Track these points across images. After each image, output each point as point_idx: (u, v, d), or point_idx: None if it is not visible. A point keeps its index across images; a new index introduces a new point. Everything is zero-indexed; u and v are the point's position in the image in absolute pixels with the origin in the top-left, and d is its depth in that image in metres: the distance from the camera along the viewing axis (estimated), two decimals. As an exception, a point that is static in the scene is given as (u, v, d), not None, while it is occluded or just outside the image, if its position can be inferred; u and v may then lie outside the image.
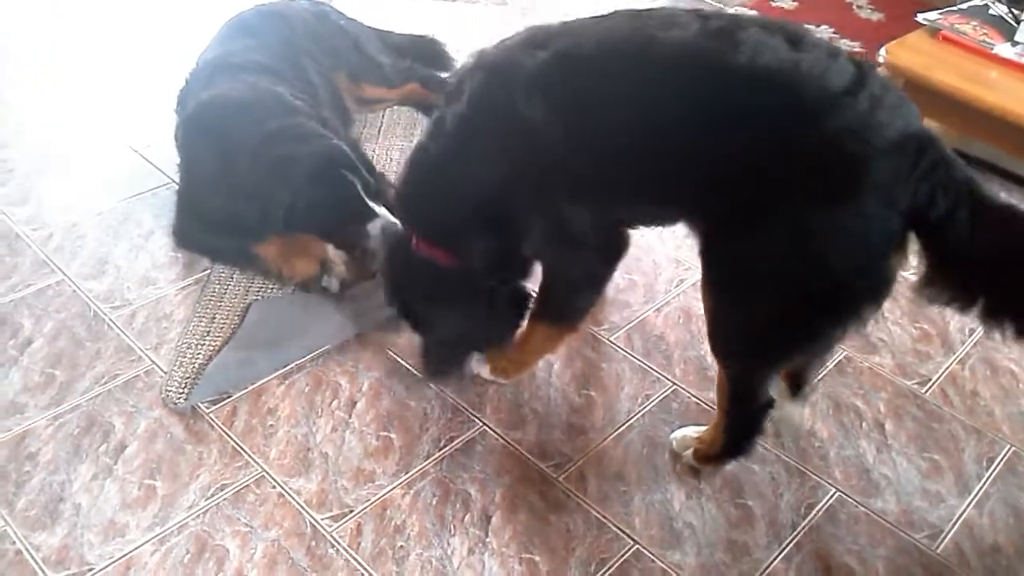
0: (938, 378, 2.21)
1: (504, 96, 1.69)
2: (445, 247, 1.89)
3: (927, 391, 2.17)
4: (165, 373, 2.10)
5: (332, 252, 2.32)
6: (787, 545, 1.83)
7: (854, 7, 3.92)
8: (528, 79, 1.67)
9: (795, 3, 3.94)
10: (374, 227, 2.29)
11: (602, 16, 1.72)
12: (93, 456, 1.92)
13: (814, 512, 1.89)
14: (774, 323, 1.67)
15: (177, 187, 2.52)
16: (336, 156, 2.29)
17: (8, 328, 2.20)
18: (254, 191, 2.27)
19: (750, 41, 1.56)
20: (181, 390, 2.05)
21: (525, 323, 2.05)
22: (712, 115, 1.57)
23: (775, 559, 1.80)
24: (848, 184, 1.50)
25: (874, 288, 1.60)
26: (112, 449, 1.94)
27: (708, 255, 1.70)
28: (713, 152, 1.58)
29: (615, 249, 1.92)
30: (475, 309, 1.96)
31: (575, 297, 1.98)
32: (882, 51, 2.65)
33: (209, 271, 2.39)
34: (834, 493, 1.93)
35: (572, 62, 1.67)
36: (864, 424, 2.09)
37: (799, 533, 1.85)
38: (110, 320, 2.24)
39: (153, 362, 2.14)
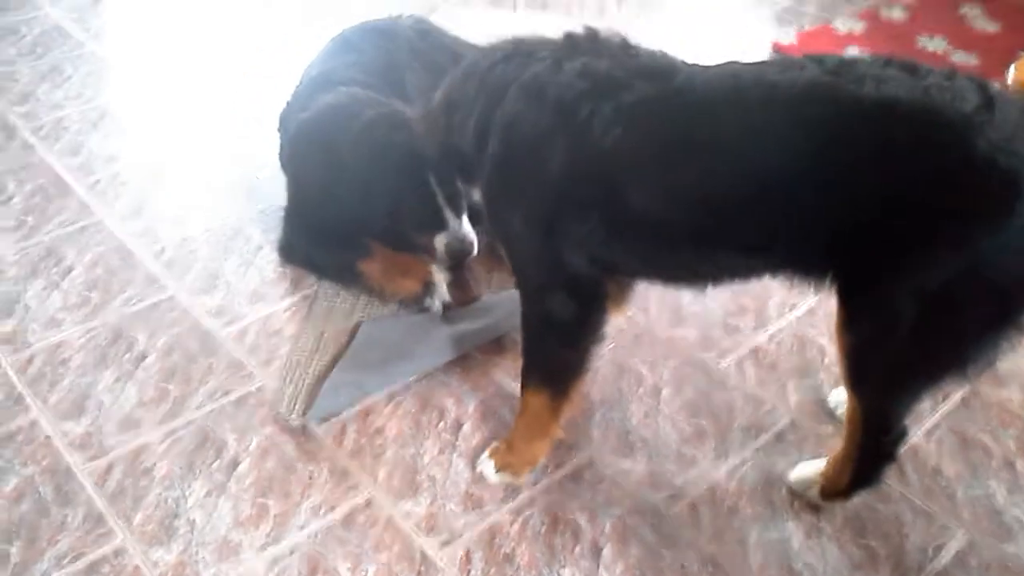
0: (1072, 415, 2.10)
1: (585, 108, 1.63)
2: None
3: (1059, 428, 2.07)
4: (275, 390, 2.12)
5: (436, 273, 2.31)
6: (915, 588, 1.75)
7: (968, 18, 3.76)
8: (625, 107, 1.62)
9: (906, 14, 3.81)
10: (439, 240, 2.29)
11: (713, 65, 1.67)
12: (207, 472, 1.94)
13: (944, 556, 1.80)
14: (930, 355, 1.61)
15: (285, 205, 2.54)
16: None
17: (123, 342, 2.25)
18: (358, 185, 2.26)
19: (871, 73, 1.50)
20: (291, 407, 2.06)
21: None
22: (848, 152, 1.51)
23: (900, 605, 1.73)
24: (1009, 200, 1.43)
25: None
26: (225, 465, 1.96)
27: (854, 298, 1.63)
28: (852, 191, 1.51)
29: (594, 295, 1.82)
30: None
31: (555, 349, 1.86)
32: (1010, 69, 2.53)
33: (316, 288, 2.41)
34: (963, 536, 1.84)
35: (681, 100, 1.62)
36: (993, 462, 1.99)
37: (929, 571, 1.77)
38: (222, 336, 2.27)
39: (264, 379, 2.16)
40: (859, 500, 1.88)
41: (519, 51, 1.80)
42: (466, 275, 2.40)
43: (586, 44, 1.77)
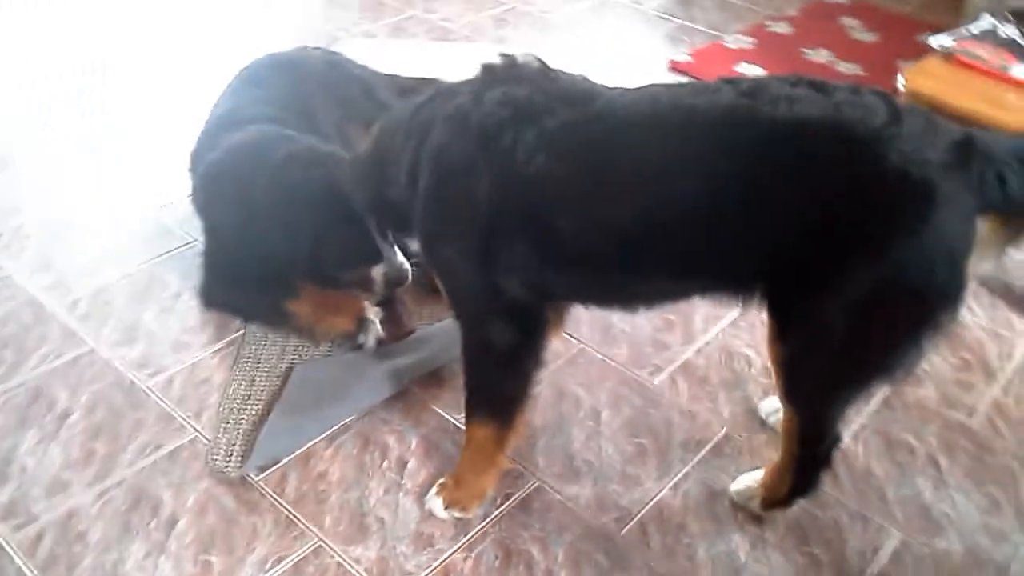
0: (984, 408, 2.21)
1: (507, 138, 1.65)
2: None
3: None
4: (209, 441, 2.06)
5: (368, 309, 2.29)
6: (858, 591, 1.82)
7: (848, 29, 3.95)
8: (547, 132, 1.64)
9: (791, 28, 3.97)
10: (377, 271, 2.28)
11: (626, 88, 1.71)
12: (144, 532, 1.87)
13: (881, 558, 1.88)
14: (860, 361, 1.66)
15: (202, 248, 2.48)
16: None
17: (43, 401, 2.15)
18: (277, 225, 2.21)
19: (783, 93, 1.56)
20: (227, 457, 2.01)
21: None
22: (769, 172, 1.56)
23: (846, 607, 1.79)
24: (924, 208, 1.49)
25: (957, 296, 1.59)
26: (163, 523, 1.89)
27: (780, 312, 1.68)
28: (776, 210, 1.57)
29: (533, 320, 1.83)
30: None
31: (497, 379, 1.86)
32: (900, 78, 2.66)
33: (243, 332, 2.36)
34: (897, 535, 1.92)
35: (603, 124, 1.65)
36: (918, 461, 2.09)
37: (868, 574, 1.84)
38: (147, 388, 2.20)
39: (196, 430, 2.10)
40: (798, 508, 1.94)
41: (440, 91, 1.83)
42: (398, 309, 2.38)
43: (504, 72, 1.78)
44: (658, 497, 1.99)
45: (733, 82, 1.63)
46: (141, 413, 2.14)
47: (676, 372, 2.30)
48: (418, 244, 1.88)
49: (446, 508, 1.92)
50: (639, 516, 1.94)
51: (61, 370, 2.24)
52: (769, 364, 1.80)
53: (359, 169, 1.96)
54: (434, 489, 1.95)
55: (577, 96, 1.69)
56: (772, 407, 2.16)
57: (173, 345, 2.32)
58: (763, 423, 2.16)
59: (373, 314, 2.29)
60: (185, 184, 2.55)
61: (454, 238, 1.78)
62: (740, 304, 1.75)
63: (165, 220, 2.76)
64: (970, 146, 1.52)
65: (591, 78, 1.77)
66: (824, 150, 1.53)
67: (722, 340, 2.40)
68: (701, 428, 2.15)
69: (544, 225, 1.68)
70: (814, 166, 1.54)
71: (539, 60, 1.80)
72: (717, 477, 2.03)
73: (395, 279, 2.29)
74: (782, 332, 1.71)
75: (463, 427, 2.08)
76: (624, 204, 1.64)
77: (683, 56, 3.72)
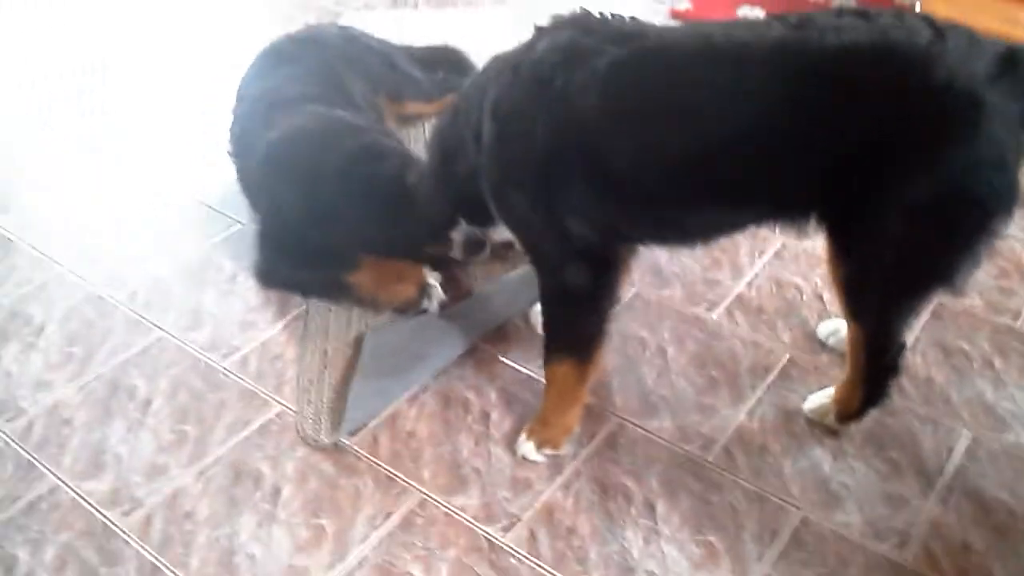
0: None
1: (560, 77, 1.71)
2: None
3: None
4: (295, 412, 2.11)
5: (429, 274, 2.34)
6: (941, 489, 1.90)
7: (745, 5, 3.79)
8: (599, 71, 1.69)
9: (690, 5, 3.88)
10: (457, 234, 2.32)
11: (712, 23, 1.76)
12: (251, 504, 1.92)
13: (956, 456, 1.97)
14: (921, 271, 1.74)
15: (258, 227, 2.51)
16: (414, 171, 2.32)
17: (123, 392, 2.19)
18: (344, 215, 2.28)
19: (830, 24, 1.62)
20: (317, 426, 2.06)
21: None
22: (822, 96, 1.62)
23: (931, 504, 1.88)
24: (973, 118, 1.57)
25: (1010, 202, 1.66)
26: (268, 495, 1.94)
27: (840, 232, 1.75)
28: (831, 132, 1.63)
29: (609, 261, 1.90)
30: None
31: (576, 318, 1.93)
32: (916, 5, 2.73)
33: (305, 306, 2.40)
34: (968, 434, 2.02)
35: (655, 60, 1.70)
36: (975, 364, 2.18)
37: (948, 473, 1.93)
38: (224, 368, 2.24)
39: (281, 403, 2.14)
40: (870, 419, 2.02)
41: (488, 66, 1.91)
42: (456, 272, 2.43)
43: (553, 25, 1.84)
44: (737, 423, 2.07)
45: (781, 18, 1.69)
46: (222, 393, 2.18)
47: (731, 306, 2.37)
48: (490, 202, 1.92)
49: (538, 449, 1.99)
50: (722, 443, 2.02)
51: (134, 360, 2.27)
52: (830, 285, 1.88)
53: (432, 176, 2.07)
54: (523, 435, 2.01)
55: (626, 35, 1.74)
56: (830, 329, 2.24)
57: (240, 325, 2.36)
58: (823, 345, 2.24)
59: (434, 279, 2.33)
60: (220, 168, 2.58)
61: (519, 185, 1.83)
62: (795, 230, 1.82)
63: (208, 204, 2.78)
64: (1013, 58, 1.58)
65: (640, 19, 1.82)
66: (874, 71, 1.60)
67: (770, 272, 2.47)
68: (765, 355, 2.23)
69: (601, 163, 1.74)
70: (865, 87, 1.60)
71: (585, 9, 1.85)
72: (788, 399, 2.12)
73: (475, 242, 2.34)
74: (843, 252, 1.78)
75: (537, 377, 2.16)
76: (679, 137, 1.70)
77: (683, 3, 3.76)
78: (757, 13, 3.66)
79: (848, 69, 1.61)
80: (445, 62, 3.25)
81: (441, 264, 2.39)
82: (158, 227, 2.72)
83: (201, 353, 2.28)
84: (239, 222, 2.69)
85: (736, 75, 1.65)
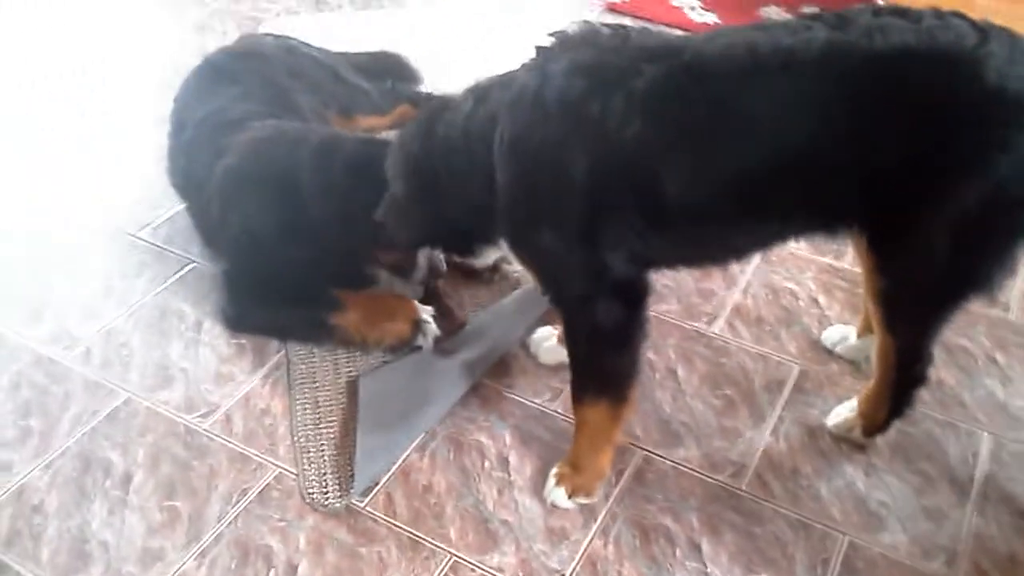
0: (1021, 303, 2.33)
1: (595, 105, 1.59)
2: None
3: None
4: (296, 475, 1.93)
5: (420, 309, 2.18)
6: (976, 498, 1.89)
7: (685, 8, 3.69)
8: (631, 95, 1.58)
9: None
10: (422, 257, 2.20)
11: (746, 27, 1.66)
12: (267, 587, 1.75)
13: (982, 461, 1.97)
14: (962, 280, 1.70)
15: (223, 266, 2.30)
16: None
17: (97, 467, 1.96)
18: (328, 214, 2.10)
19: (874, 25, 1.56)
20: (324, 489, 1.90)
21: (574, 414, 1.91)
22: (873, 103, 1.56)
23: (970, 516, 1.86)
24: (1021, 119, 1.53)
25: None
26: (284, 573, 1.77)
27: (881, 243, 1.70)
28: (880, 141, 1.57)
29: (638, 293, 1.80)
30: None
31: (609, 357, 1.81)
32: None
33: (283, 351, 2.21)
34: (988, 437, 2.01)
35: (698, 76, 1.60)
36: (979, 362, 2.19)
37: (979, 481, 1.93)
38: (206, 431, 2.03)
39: (277, 465, 1.96)
40: (893, 429, 1.99)
41: (481, 89, 1.77)
42: (445, 302, 2.28)
43: (561, 44, 1.71)
44: (763, 444, 2.01)
45: (818, 18, 1.62)
46: (210, 459, 1.98)
47: (731, 317, 2.31)
48: (508, 242, 1.79)
49: (570, 497, 1.88)
50: (753, 468, 1.96)
51: (102, 429, 2.04)
52: (865, 296, 1.84)
53: (406, 204, 1.89)
54: (552, 481, 1.90)
55: (658, 51, 1.63)
56: (836, 336, 2.21)
57: (215, 379, 2.15)
58: (830, 353, 2.20)
59: (426, 314, 2.18)
60: (160, 201, 2.35)
61: (553, 225, 1.70)
62: (831, 241, 1.77)
63: (152, 241, 2.54)
64: None
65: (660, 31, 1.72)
66: (925, 76, 1.55)
67: (762, 278, 2.42)
68: (775, 368, 2.18)
69: (649, 190, 1.63)
70: (917, 93, 1.55)
71: (588, 23, 1.73)
72: (808, 414, 2.07)
73: (438, 263, 2.21)
74: (885, 262, 1.73)
75: (549, 411, 2.06)
76: (732, 155, 1.61)
77: (619, -5, 3.67)
78: (692, 3, 3.61)
79: (900, 73, 1.55)
80: (387, 69, 3.07)
81: (431, 297, 2.24)
82: (100, 269, 2.46)
83: (177, 415, 2.07)
84: (192, 260, 2.46)
85: (786, 84, 1.57)
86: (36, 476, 1.94)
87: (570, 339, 1.83)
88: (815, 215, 1.73)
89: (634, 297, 1.78)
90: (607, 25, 1.71)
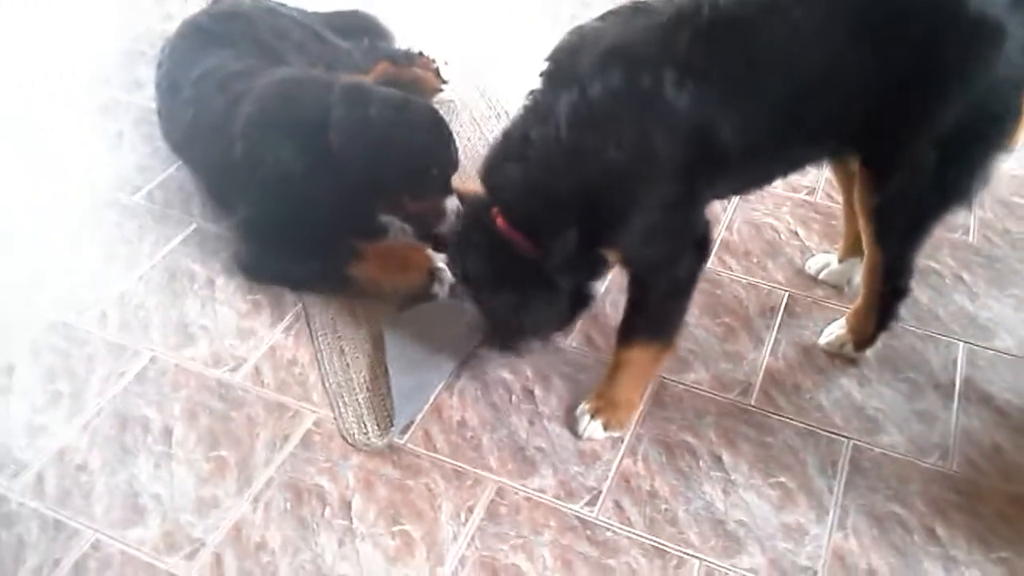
0: None
1: (646, 82, 1.68)
2: (528, 234, 1.84)
3: None
4: (334, 418, 2.01)
5: (435, 258, 2.26)
6: (959, 400, 2.09)
7: None
8: (677, 63, 1.68)
9: None
10: (451, 203, 2.26)
11: None
12: (325, 524, 1.83)
13: (961, 367, 2.17)
14: (947, 192, 1.87)
15: (241, 216, 2.32)
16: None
17: (136, 425, 2.00)
18: (363, 147, 2.14)
19: None
20: (364, 430, 1.98)
21: (616, 356, 2.00)
22: (885, 29, 1.71)
23: (955, 415, 2.06)
24: (999, 43, 1.71)
25: (1019, 118, 1.81)
26: (339, 511, 1.85)
27: (876, 162, 1.86)
28: (882, 63, 1.72)
29: (709, 239, 1.92)
30: (539, 299, 1.94)
31: (675, 305, 1.96)
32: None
33: (300, 304, 2.26)
34: (964, 346, 2.22)
35: (726, 27, 1.71)
36: (947, 280, 2.40)
37: (960, 384, 2.13)
38: (239, 384, 2.09)
39: (314, 411, 2.03)
40: (879, 343, 2.17)
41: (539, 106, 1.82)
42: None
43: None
44: (764, 364, 2.17)
45: None
46: (247, 409, 2.04)
47: (720, 252, 2.46)
48: (619, 223, 1.79)
49: (606, 429, 2.00)
50: (758, 385, 2.12)
51: (133, 388, 2.07)
52: (858, 212, 1.98)
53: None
54: (585, 415, 2.00)
55: (679, 15, 1.72)
56: (820, 263, 2.38)
57: (237, 334, 2.20)
58: (814, 279, 2.38)
59: (441, 262, 2.26)
60: (153, 157, 2.34)
61: (656, 196, 1.76)
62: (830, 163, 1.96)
63: (149, 204, 2.54)
64: None
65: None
66: (920, 2, 1.72)
67: (743, 215, 2.58)
68: (767, 296, 2.34)
69: (714, 141, 1.72)
70: (911, 16, 1.71)
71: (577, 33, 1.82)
72: (802, 334, 2.24)
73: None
74: (878, 180, 1.90)
75: (564, 347, 2.18)
76: (770, 89, 1.73)
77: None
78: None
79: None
80: (360, 28, 3.09)
81: (444, 245, 2.32)
82: (101, 237, 2.46)
83: (206, 370, 2.11)
84: (194, 220, 2.48)
85: (800, 13, 1.69)
86: (75, 437, 1.97)
87: (646, 292, 1.92)
88: (832, 137, 1.87)
89: (705, 247, 1.92)
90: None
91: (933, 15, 1.71)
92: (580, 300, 2.04)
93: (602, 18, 1.82)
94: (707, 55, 1.69)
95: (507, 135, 1.87)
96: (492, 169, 1.89)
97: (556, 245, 1.82)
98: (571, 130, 1.72)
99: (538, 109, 1.81)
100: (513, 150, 1.83)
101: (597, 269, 1.97)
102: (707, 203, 1.88)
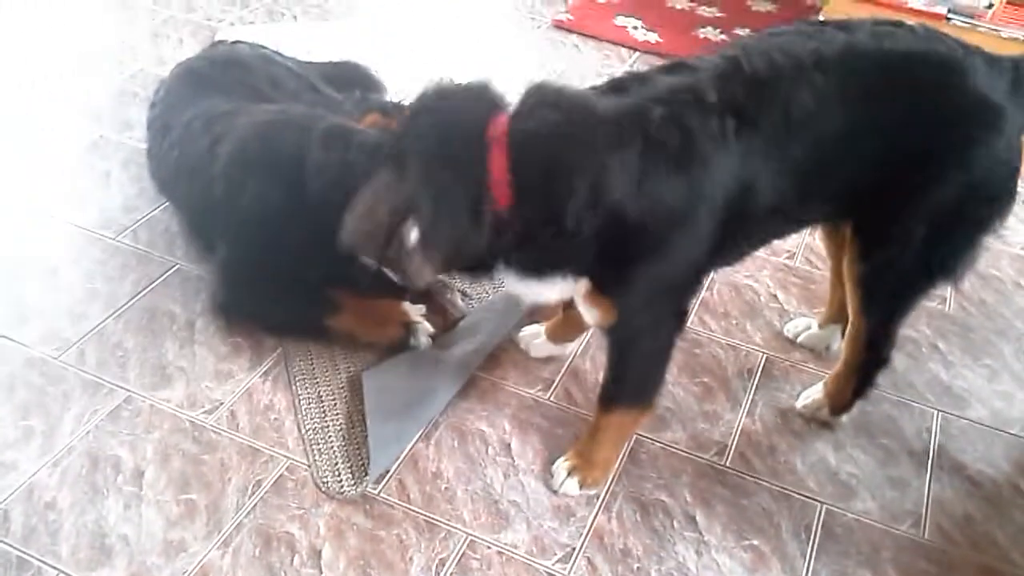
0: None
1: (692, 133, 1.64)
2: (522, 188, 1.63)
3: None
4: (307, 466, 2.00)
5: (412, 310, 2.27)
6: (932, 468, 2.11)
7: (629, 28, 3.82)
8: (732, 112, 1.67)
9: (571, 16, 4.08)
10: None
11: (762, 36, 1.82)
12: (294, 572, 1.81)
13: (934, 435, 2.19)
14: (935, 269, 1.90)
15: (220, 256, 2.32)
16: None
17: (107, 464, 1.98)
18: (339, 189, 1.96)
19: (876, 31, 1.76)
20: (338, 479, 1.97)
21: (596, 417, 1.99)
22: (886, 99, 1.74)
23: (928, 483, 2.07)
24: (998, 125, 1.75)
25: (1013, 199, 1.86)
26: (307, 558, 1.83)
27: (867, 232, 1.89)
28: (895, 135, 1.75)
29: (689, 306, 1.96)
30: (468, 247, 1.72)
31: (655, 370, 1.95)
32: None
33: (280, 349, 2.26)
34: (938, 414, 2.24)
35: (761, 86, 1.70)
36: (924, 350, 2.42)
37: (933, 452, 2.15)
38: (212, 426, 2.07)
39: (288, 457, 2.02)
40: (855, 409, 2.19)
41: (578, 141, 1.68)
42: (438, 300, 2.37)
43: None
44: (741, 426, 2.18)
45: (826, 23, 1.82)
46: (220, 453, 2.02)
47: (700, 312, 2.48)
48: (615, 274, 1.74)
49: (582, 487, 1.99)
50: (734, 447, 2.13)
51: (106, 427, 2.05)
52: (846, 280, 1.99)
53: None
54: (562, 472, 1.99)
55: (720, 74, 1.71)
56: (800, 327, 2.41)
57: (215, 377, 2.19)
58: (792, 342, 2.40)
59: (417, 314, 2.27)
60: (142, 201, 2.36)
61: (680, 247, 1.73)
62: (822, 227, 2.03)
63: (135, 246, 2.54)
64: (1019, 71, 1.79)
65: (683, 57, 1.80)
66: (926, 76, 1.75)
67: (724, 276, 2.60)
68: (745, 357, 2.36)
69: (750, 193, 1.72)
70: (918, 90, 1.75)
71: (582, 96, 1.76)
72: (779, 397, 2.25)
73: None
74: (867, 249, 1.92)
75: (542, 400, 2.18)
76: (798, 149, 1.72)
77: (563, 14, 3.84)
78: (634, 21, 3.81)
79: (907, 71, 1.74)
80: (351, 79, 3.14)
81: (424, 298, 2.33)
82: (82, 274, 2.45)
83: (181, 412, 2.10)
84: (176, 263, 2.48)
85: (822, 79, 1.70)
86: (44, 474, 1.95)
87: (628, 357, 1.91)
88: (837, 202, 1.88)
89: (686, 312, 1.94)
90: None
91: (937, 94, 1.75)
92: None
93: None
94: (755, 107, 1.69)
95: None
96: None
97: (545, 232, 1.65)
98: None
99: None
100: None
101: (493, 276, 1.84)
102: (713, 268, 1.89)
